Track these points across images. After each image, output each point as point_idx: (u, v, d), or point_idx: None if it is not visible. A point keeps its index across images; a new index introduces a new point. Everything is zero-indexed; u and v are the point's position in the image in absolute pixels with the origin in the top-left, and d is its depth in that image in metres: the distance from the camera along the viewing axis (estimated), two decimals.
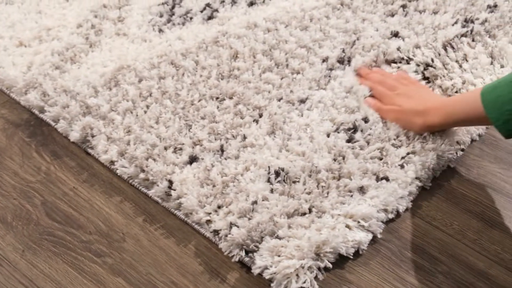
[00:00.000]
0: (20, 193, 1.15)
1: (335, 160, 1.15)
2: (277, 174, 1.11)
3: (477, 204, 1.12)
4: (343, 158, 1.15)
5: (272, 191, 1.10)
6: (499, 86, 1.03)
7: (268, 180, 1.11)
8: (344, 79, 1.31)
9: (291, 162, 1.14)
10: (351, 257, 1.03)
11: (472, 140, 1.23)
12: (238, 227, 1.04)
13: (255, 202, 1.08)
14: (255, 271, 1.00)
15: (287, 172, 1.12)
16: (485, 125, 1.22)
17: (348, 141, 1.18)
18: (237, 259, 1.02)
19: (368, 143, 1.18)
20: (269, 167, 1.13)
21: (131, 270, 1.03)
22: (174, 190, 1.11)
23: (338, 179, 1.12)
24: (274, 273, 0.98)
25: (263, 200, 1.08)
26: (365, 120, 1.21)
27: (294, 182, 1.11)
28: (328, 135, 1.19)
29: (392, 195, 1.10)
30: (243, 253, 1.02)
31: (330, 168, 1.13)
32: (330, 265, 1.01)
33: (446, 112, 1.14)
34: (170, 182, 1.12)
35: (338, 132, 1.20)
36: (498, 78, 1.10)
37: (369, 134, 1.19)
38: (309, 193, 1.09)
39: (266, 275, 0.99)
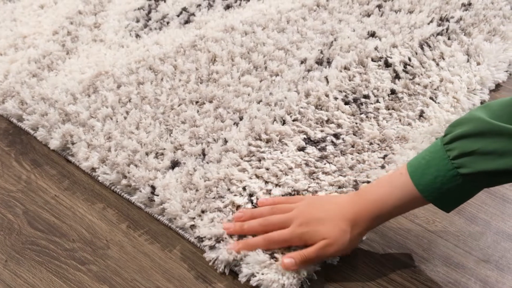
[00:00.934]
0: (1, 203, 1.14)
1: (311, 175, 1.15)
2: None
3: None
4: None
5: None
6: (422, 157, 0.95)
7: (251, 195, 1.11)
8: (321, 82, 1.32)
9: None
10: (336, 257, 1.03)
11: None
12: (223, 241, 1.03)
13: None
14: (242, 279, 1.00)
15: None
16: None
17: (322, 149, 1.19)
18: (221, 270, 1.02)
19: (342, 152, 1.18)
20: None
21: (116, 277, 1.02)
22: (157, 195, 1.11)
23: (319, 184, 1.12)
24: (261, 280, 0.98)
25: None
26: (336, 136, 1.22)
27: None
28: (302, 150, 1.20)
29: None
30: (227, 270, 1.02)
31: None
32: (318, 268, 1.01)
33: (369, 219, 0.99)
34: (153, 187, 1.12)
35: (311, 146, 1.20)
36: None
37: (344, 145, 1.19)
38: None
39: (253, 282, 0.98)
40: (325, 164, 1.15)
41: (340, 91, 1.30)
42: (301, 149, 1.18)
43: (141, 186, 1.12)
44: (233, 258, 1.00)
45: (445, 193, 0.92)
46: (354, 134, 1.21)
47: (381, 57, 1.37)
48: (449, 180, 0.90)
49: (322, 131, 1.21)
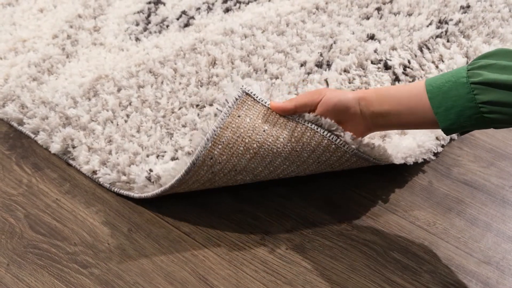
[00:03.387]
0: (2, 207, 1.14)
1: None
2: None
3: (459, 202, 1.14)
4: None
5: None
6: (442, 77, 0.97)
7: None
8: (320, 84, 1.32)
9: None
10: (337, 258, 1.03)
11: (452, 139, 1.24)
12: None
13: None
14: None
15: None
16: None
17: None
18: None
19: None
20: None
21: (118, 280, 1.03)
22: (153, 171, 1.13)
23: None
24: None
25: None
26: None
27: None
28: None
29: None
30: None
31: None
32: None
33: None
34: (151, 170, 1.13)
35: None
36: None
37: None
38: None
39: None
40: None
41: None
42: None
43: (137, 176, 1.13)
44: None
45: (449, 99, 0.93)
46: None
47: (380, 60, 1.37)
48: (458, 85, 0.92)
49: None
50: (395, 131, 1.19)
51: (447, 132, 0.95)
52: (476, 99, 0.89)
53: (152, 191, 1.11)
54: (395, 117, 1.00)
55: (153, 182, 1.11)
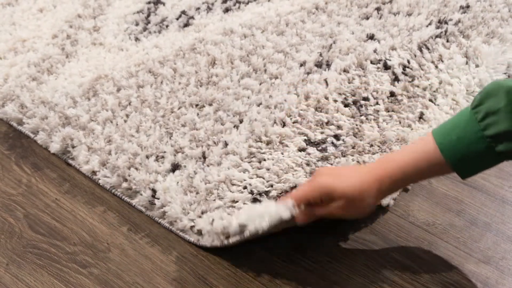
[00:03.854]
0: (2, 207, 1.14)
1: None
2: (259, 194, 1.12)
3: (458, 202, 1.14)
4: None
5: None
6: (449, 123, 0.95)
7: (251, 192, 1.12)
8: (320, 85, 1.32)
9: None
10: (337, 258, 1.03)
11: None
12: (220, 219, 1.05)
13: (240, 208, 1.08)
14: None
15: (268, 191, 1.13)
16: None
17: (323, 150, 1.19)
18: (219, 244, 1.04)
19: (343, 153, 1.19)
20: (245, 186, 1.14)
21: (118, 280, 1.03)
22: (158, 198, 1.11)
23: None
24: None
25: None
26: (337, 137, 1.22)
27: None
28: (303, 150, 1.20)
29: None
30: (226, 241, 1.04)
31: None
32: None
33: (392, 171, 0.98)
34: (154, 190, 1.12)
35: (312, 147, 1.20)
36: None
37: (344, 146, 1.20)
38: None
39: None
40: (326, 165, 1.15)
41: (340, 94, 1.30)
42: (302, 149, 1.18)
43: (142, 189, 1.13)
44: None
45: (466, 156, 0.91)
46: (354, 136, 1.21)
47: (380, 60, 1.37)
48: (474, 141, 0.89)
49: (322, 133, 1.22)
50: None
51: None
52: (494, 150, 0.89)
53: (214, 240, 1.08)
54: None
55: (157, 208, 1.12)
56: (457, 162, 0.92)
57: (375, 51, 1.39)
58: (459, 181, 1.17)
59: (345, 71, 1.35)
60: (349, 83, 1.33)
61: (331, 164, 1.16)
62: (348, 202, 0.97)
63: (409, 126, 1.23)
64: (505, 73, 1.38)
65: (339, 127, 1.23)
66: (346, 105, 1.27)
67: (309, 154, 1.17)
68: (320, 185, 0.98)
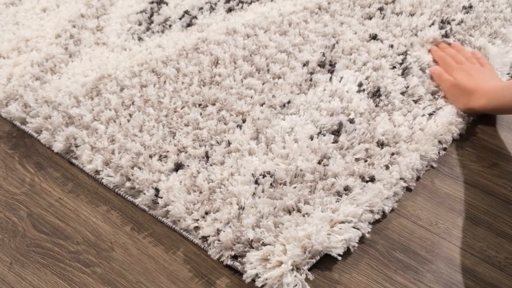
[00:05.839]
0: (5, 206, 1.15)
1: (320, 162, 1.15)
2: (263, 177, 1.12)
3: (461, 202, 1.14)
4: (328, 160, 1.16)
5: (259, 195, 1.10)
6: None
7: (256, 182, 1.12)
8: (328, 83, 1.32)
9: (277, 166, 1.15)
10: (340, 259, 1.03)
11: (454, 140, 1.24)
12: (225, 232, 1.04)
13: (242, 208, 1.08)
14: (247, 279, 1.00)
15: (272, 175, 1.13)
16: None
17: (333, 143, 1.19)
18: (228, 263, 1.03)
19: (352, 144, 1.19)
20: (253, 173, 1.14)
21: (121, 279, 1.03)
22: (161, 198, 1.11)
23: (325, 180, 1.12)
24: (266, 279, 0.98)
25: (251, 208, 1.08)
26: (351, 121, 1.22)
27: (280, 184, 1.12)
28: (311, 138, 1.20)
29: (378, 196, 1.11)
30: (232, 261, 1.03)
31: (314, 171, 1.14)
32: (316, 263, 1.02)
33: (491, 97, 1.20)
34: (157, 190, 1.12)
35: (323, 135, 1.20)
36: None
37: (353, 137, 1.20)
38: (295, 195, 1.10)
39: (258, 283, 0.99)
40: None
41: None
42: (311, 138, 1.19)
43: (145, 189, 1.13)
44: (237, 241, 1.03)
45: None
46: (363, 130, 1.22)
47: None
48: None
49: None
50: None
51: None
52: None
53: None
54: None
55: (160, 207, 1.13)
56: None
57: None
58: (462, 181, 1.17)
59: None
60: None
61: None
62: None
63: (415, 125, 1.23)
64: (508, 74, 1.38)
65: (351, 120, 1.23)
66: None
67: (318, 141, 1.20)
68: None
